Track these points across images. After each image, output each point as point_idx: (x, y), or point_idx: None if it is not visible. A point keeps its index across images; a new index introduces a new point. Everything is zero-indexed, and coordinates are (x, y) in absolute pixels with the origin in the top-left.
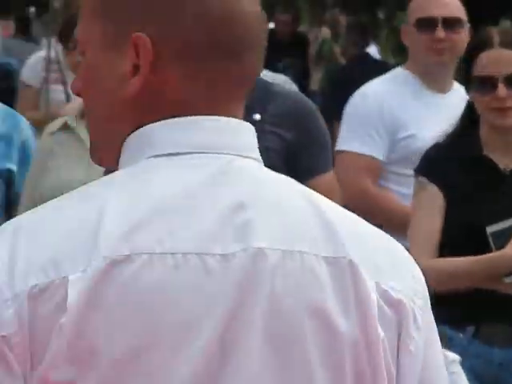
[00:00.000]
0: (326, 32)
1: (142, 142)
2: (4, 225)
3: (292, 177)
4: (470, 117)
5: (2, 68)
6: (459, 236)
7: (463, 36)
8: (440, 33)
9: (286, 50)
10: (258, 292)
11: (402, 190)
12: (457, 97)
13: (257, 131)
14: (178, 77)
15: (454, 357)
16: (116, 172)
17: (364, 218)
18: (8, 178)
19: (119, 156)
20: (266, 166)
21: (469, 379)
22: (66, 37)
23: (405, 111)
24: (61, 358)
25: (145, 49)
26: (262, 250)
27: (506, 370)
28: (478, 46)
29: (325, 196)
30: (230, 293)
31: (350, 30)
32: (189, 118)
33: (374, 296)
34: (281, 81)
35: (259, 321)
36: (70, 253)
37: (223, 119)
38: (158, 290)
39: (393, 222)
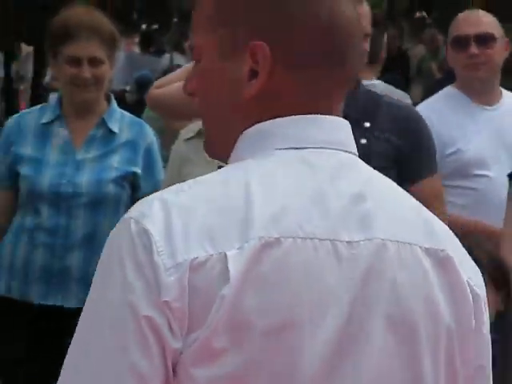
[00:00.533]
0: (422, 49)
1: (264, 136)
2: (147, 200)
3: (400, 180)
4: None
5: (143, 79)
6: None
7: (498, 50)
8: (473, 49)
9: (389, 64)
10: (381, 280)
11: (457, 200)
12: (507, 106)
13: (366, 137)
14: (293, 81)
15: None
16: (247, 160)
17: None
18: (133, 181)
19: (231, 150)
20: (374, 168)
21: None
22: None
23: (450, 128)
24: (221, 326)
25: (263, 56)
26: (384, 241)
27: None
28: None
29: (431, 197)
30: (356, 278)
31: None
32: (308, 116)
33: (468, 288)
34: (399, 95)
35: (382, 308)
36: (224, 230)
37: (338, 119)
38: (303, 271)
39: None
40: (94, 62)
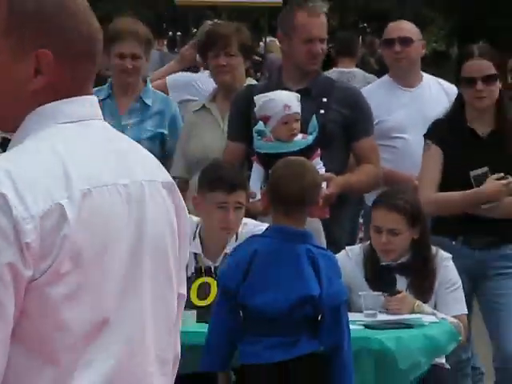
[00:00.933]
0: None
1: (46, 115)
2: None
3: (346, 139)
4: (460, 102)
5: None
6: (453, 178)
7: (415, 48)
8: (397, 48)
9: None
10: (146, 214)
11: (383, 155)
12: (425, 87)
13: (324, 109)
14: (66, 75)
15: (447, 255)
16: (42, 133)
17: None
18: (162, 139)
19: (18, 126)
20: (328, 132)
21: (459, 272)
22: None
23: (378, 105)
24: (64, 256)
25: (47, 61)
26: (142, 182)
27: (482, 264)
28: (463, 57)
29: (369, 152)
30: (133, 213)
31: None
32: (78, 97)
33: (185, 208)
34: (370, 77)
35: (149, 237)
36: (55, 186)
37: (93, 98)
38: (108, 211)
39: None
40: (134, 57)
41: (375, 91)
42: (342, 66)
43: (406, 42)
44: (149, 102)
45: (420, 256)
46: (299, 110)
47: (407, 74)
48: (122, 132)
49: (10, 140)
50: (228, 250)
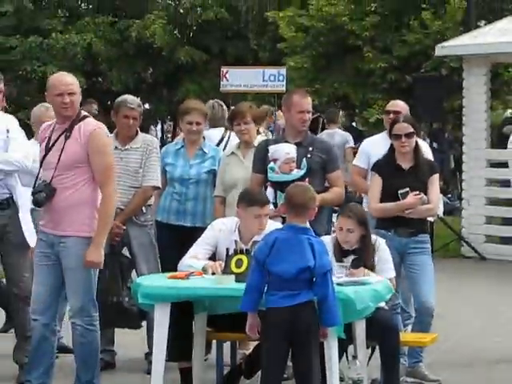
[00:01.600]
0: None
1: None
2: None
3: (323, 172)
4: (392, 148)
5: None
6: (387, 195)
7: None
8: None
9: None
10: None
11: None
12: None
13: (310, 154)
14: None
15: (382, 240)
16: None
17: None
18: (214, 173)
19: None
20: (312, 168)
21: (392, 251)
22: None
23: (374, 150)
24: None
25: None
26: None
27: (406, 246)
28: (393, 123)
29: (336, 181)
30: None
31: None
32: None
33: None
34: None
35: None
36: None
37: None
38: None
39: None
40: (199, 124)
41: (379, 139)
42: (329, 128)
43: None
44: (206, 150)
45: (365, 244)
46: (295, 155)
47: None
48: (190, 168)
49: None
50: (255, 238)
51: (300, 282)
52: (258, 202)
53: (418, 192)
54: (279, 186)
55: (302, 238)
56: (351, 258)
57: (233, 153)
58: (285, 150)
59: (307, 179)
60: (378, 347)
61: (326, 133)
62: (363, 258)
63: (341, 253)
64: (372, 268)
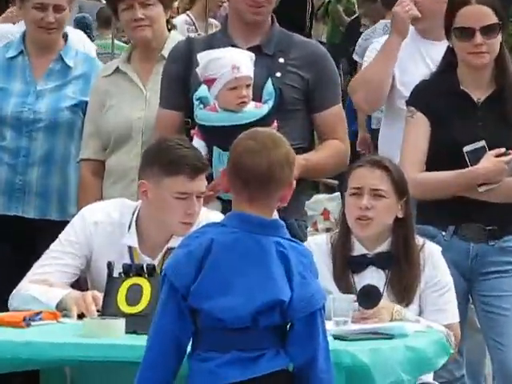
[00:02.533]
0: None
1: None
2: None
3: (308, 107)
4: (450, 59)
5: (81, 22)
6: (442, 154)
7: None
8: None
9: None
10: None
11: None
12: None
13: (280, 72)
14: None
15: (437, 247)
16: None
17: None
18: (85, 108)
19: None
20: (286, 98)
21: (449, 268)
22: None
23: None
24: None
25: None
26: None
27: (479, 261)
28: (458, 2)
29: (334, 124)
30: None
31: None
32: None
33: None
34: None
35: None
36: None
37: None
38: None
39: None
40: (58, 8)
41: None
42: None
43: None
44: (70, 62)
45: (403, 244)
46: (251, 73)
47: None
48: (36, 99)
49: None
50: (172, 243)
51: (261, 334)
52: (188, 168)
53: (504, 149)
54: (218, 137)
55: (265, 244)
56: (372, 272)
57: (118, 70)
58: (232, 62)
59: (275, 123)
60: None
61: (384, 24)
62: (394, 274)
63: (348, 264)
64: (410, 299)
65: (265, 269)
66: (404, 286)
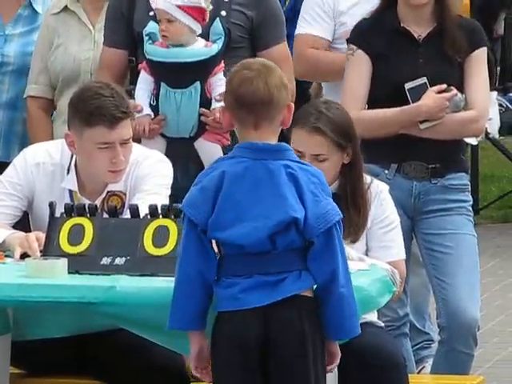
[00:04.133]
0: None
1: None
2: None
3: (252, 46)
4: None
5: None
6: (384, 92)
7: None
8: None
9: None
10: None
11: None
12: None
13: (225, 10)
14: None
15: (384, 186)
16: None
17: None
18: None
19: None
20: (232, 37)
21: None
22: None
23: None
24: None
25: None
26: None
27: (422, 199)
28: None
29: (279, 62)
30: None
31: None
32: None
33: None
34: None
35: None
36: None
37: None
38: None
39: (335, 69)
40: None
41: None
42: None
43: None
44: (39, 8)
45: (350, 186)
46: (169, 8)
47: None
48: (5, 43)
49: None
50: (112, 187)
51: (282, 257)
52: (105, 118)
53: (445, 86)
54: (166, 73)
55: (274, 168)
56: None
57: (66, 8)
58: None
59: (222, 63)
60: None
61: None
62: (347, 214)
63: None
64: (356, 237)
65: (276, 192)
66: (351, 226)
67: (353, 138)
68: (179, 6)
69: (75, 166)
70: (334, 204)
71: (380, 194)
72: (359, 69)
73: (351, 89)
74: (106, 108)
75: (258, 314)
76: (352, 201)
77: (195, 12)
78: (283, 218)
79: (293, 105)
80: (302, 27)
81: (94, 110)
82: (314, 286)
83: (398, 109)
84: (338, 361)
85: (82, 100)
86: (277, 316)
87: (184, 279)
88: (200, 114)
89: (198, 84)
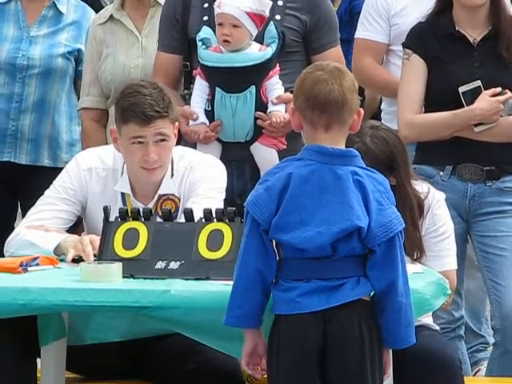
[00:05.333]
0: None
1: None
2: None
3: (306, 50)
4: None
5: None
6: (439, 96)
7: None
8: None
9: None
10: None
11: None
12: None
13: (279, 14)
14: None
15: (441, 195)
16: None
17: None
18: (77, 56)
19: None
20: (286, 41)
21: (448, 208)
22: None
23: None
24: None
25: None
26: None
27: (477, 201)
28: None
29: None
30: None
31: None
32: None
33: None
34: None
35: None
36: None
37: None
38: None
39: (386, 92)
40: None
41: None
42: None
43: None
44: (63, 9)
45: (402, 205)
46: (238, 14)
47: None
48: (30, 45)
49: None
50: (163, 191)
51: (342, 263)
52: (138, 114)
53: (500, 89)
54: (220, 78)
55: (342, 173)
56: None
57: (112, 18)
58: None
59: (277, 66)
60: None
61: None
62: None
63: None
64: (416, 247)
65: (342, 198)
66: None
67: (397, 168)
68: (247, 13)
69: (127, 168)
70: (398, 213)
71: (435, 204)
72: (415, 73)
73: (407, 93)
74: (139, 105)
75: (316, 318)
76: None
77: (258, 19)
78: (347, 226)
79: (362, 110)
80: (360, 31)
81: (128, 107)
82: (372, 293)
83: (452, 112)
84: (391, 371)
85: (122, 96)
86: (335, 320)
87: (243, 276)
88: (256, 118)
89: (253, 88)
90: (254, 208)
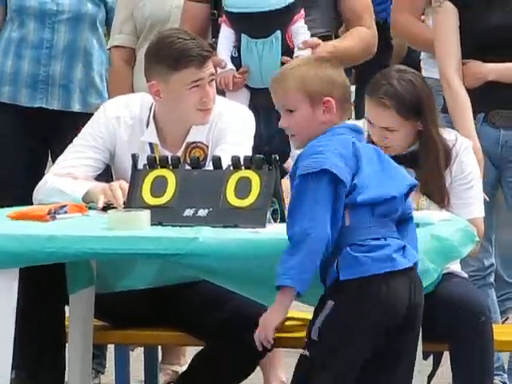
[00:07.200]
0: None
1: None
2: None
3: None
4: None
5: None
6: (470, 42)
7: None
8: None
9: None
10: None
11: None
12: None
13: None
14: None
15: (468, 143)
16: None
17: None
18: (107, 3)
19: None
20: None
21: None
22: None
23: None
24: None
25: None
26: None
27: (509, 148)
28: None
29: (361, 10)
30: None
31: None
32: None
33: None
34: None
35: None
36: None
37: None
38: None
39: (419, 44)
40: None
41: None
42: None
43: None
44: None
45: (428, 150)
46: None
47: None
48: None
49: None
50: (191, 138)
51: (400, 223)
52: (195, 58)
53: None
54: (245, 24)
55: (372, 147)
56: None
57: None
58: None
59: (302, 11)
60: (448, 355)
61: None
62: (423, 174)
63: None
64: (442, 194)
65: (392, 163)
66: (432, 187)
67: (423, 112)
68: None
69: (154, 118)
70: None
71: (463, 151)
72: (449, 22)
73: (444, 44)
74: (192, 49)
75: (405, 277)
76: (432, 166)
77: None
78: (411, 182)
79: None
80: None
81: (181, 53)
82: None
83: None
84: None
85: (163, 47)
86: (415, 278)
87: (316, 240)
88: (282, 63)
89: (278, 33)
90: (336, 168)
